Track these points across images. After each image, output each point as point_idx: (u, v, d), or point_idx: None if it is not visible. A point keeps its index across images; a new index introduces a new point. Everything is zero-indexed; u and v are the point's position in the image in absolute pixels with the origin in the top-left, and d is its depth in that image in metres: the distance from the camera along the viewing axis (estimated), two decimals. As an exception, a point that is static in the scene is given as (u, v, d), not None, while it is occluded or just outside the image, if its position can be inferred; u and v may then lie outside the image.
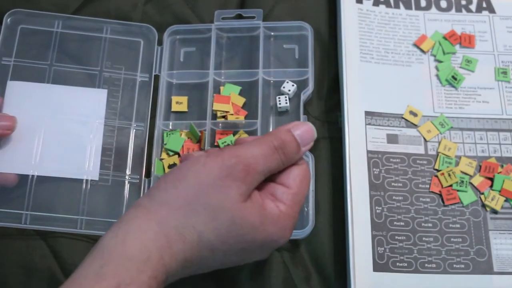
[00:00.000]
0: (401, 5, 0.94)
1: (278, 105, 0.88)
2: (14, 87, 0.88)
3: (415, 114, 0.86)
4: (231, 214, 0.62)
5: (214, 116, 0.89)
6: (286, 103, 0.88)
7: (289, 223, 0.67)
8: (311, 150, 0.81)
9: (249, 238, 0.64)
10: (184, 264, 0.62)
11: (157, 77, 0.91)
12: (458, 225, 0.80)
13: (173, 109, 0.90)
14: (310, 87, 0.88)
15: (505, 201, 0.81)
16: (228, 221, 0.62)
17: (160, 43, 0.93)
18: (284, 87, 0.89)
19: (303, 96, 0.88)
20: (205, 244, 0.62)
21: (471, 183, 0.83)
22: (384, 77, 0.89)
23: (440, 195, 0.82)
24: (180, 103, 0.91)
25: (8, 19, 0.91)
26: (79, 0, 0.97)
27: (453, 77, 0.88)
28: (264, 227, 0.64)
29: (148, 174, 0.87)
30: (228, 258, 0.66)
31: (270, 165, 0.66)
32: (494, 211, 0.81)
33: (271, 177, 0.68)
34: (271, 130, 0.88)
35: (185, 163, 0.66)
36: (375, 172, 0.83)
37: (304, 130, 0.69)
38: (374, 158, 0.83)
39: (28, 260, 0.82)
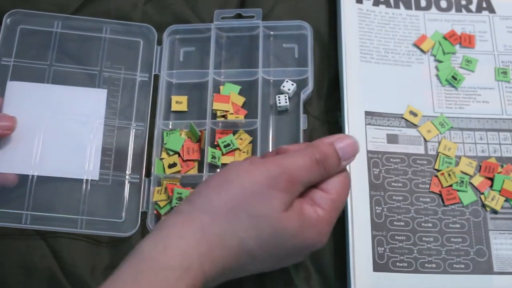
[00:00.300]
0: (401, 5, 0.95)
1: (278, 104, 0.89)
2: (14, 88, 0.88)
3: (415, 114, 0.86)
4: (273, 223, 0.63)
5: (214, 115, 0.89)
6: (286, 102, 0.89)
7: (327, 228, 0.67)
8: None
9: (288, 244, 0.65)
10: (223, 271, 0.63)
11: (156, 77, 0.92)
12: (458, 225, 0.81)
13: (173, 109, 0.91)
14: (310, 86, 0.89)
15: (505, 201, 0.82)
16: (270, 230, 0.63)
17: (159, 43, 0.94)
18: (283, 86, 0.89)
19: (303, 95, 0.88)
20: (246, 251, 0.63)
21: (471, 183, 0.83)
22: (384, 77, 0.89)
23: (440, 195, 0.82)
24: (180, 102, 0.91)
25: (8, 20, 0.92)
26: (79, 0, 0.97)
27: (453, 77, 0.88)
28: (303, 232, 0.65)
29: (148, 173, 0.87)
30: (266, 263, 0.67)
31: (311, 177, 0.66)
32: (494, 211, 0.81)
33: None
34: (271, 129, 0.89)
35: (228, 168, 0.66)
36: (375, 172, 0.83)
37: (347, 144, 0.69)
38: (374, 158, 0.84)
39: (28, 260, 0.82)
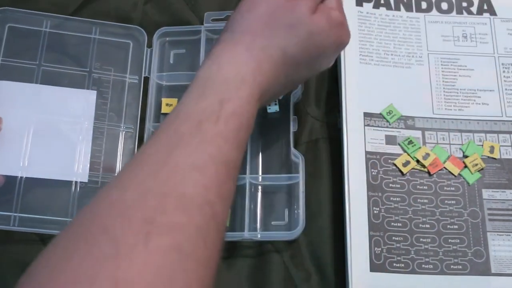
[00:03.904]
0: (401, 7, 1.00)
1: (268, 107, 0.94)
2: (2, 87, 0.92)
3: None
4: (306, 26, 0.75)
5: (204, 118, 0.94)
6: (276, 104, 0.94)
7: (347, 23, 0.80)
8: (304, 153, 0.89)
9: (325, 43, 0.77)
10: (274, 82, 0.74)
11: (146, 79, 0.97)
12: (456, 226, 0.86)
13: (163, 111, 0.96)
14: (299, 87, 0.94)
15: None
16: (306, 33, 0.75)
17: (150, 45, 0.98)
18: (273, 89, 0.95)
19: (293, 97, 0.93)
20: (290, 58, 0.75)
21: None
22: (383, 78, 0.95)
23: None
24: (170, 105, 0.96)
25: (-4, 18, 0.96)
26: (78, 0, 1.02)
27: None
28: (333, 29, 0.77)
29: (138, 176, 0.92)
30: (309, 68, 0.80)
31: None
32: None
33: None
34: (261, 131, 0.94)
35: None
36: (373, 173, 0.88)
37: None
38: (373, 159, 0.89)
39: (28, 261, 0.85)
